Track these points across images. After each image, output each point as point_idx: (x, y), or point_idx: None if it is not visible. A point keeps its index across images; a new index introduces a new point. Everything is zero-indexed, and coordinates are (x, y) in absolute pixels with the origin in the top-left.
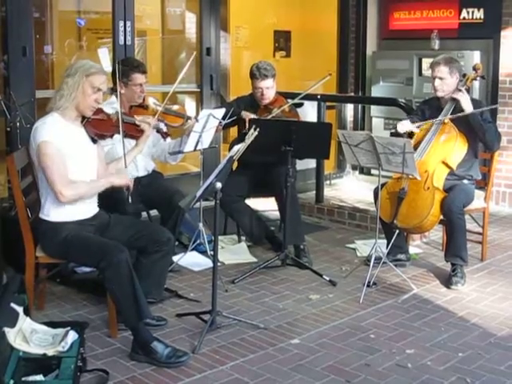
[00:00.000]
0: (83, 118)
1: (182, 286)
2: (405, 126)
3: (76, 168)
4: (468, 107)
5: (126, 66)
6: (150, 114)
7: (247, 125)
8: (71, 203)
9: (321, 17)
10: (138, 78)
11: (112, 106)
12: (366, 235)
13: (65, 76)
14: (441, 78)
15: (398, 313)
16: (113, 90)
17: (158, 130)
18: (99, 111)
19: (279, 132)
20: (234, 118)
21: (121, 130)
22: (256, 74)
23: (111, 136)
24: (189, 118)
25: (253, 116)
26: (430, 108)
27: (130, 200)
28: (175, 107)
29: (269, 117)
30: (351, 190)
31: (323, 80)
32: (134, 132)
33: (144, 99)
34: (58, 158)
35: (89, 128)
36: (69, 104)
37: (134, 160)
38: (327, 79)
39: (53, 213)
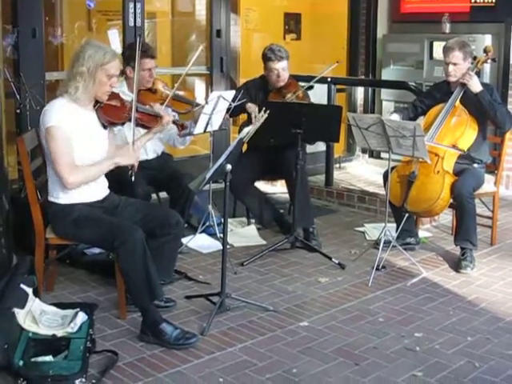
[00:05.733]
0: (96, 102)
1: (191, 268)
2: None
3: (85, 153)
4: (477, 87)
5: (135, 51)
6: (158, 99)
7: (253, 115)
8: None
9: None
10: (147, 62)
11: (121, 90)
12: (375, 218)
13: (76, 63)
14: (455, 64)
15: (407, 296)
16: (122, 73)
17: (175, 122)
18: (115, 96)
19: (289, 115)
20: (243, 100)
21: (133, 119)
22: (271, 56)
23: (122, 124)
24: (197, 104)
25: (255, 112)
26: (439, 92)
27: (132, 179)
28: (183, 93)
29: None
30: (361, 173)
31: (330, 67)
32: (146, 121)
33: (153, 83)
34: (65, 143)
35: (100, 114)
36: (84, 94)
37: (148, 140)
38: (335, 66)
39: (62, 195)
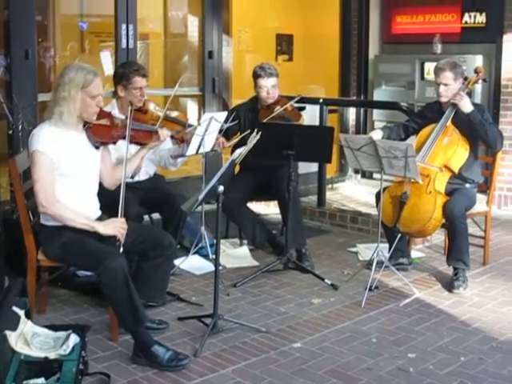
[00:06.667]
0: (85, 122)
1: (183, 290)
2: (376, 135)
3: (74, 180)
4: (468, 108)
5: (126, 69)
6: (149, 119)
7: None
8: (69, 205)
9: (323, 20)
10: (138, 81)
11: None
12: (367, 239)
13: (59, 87)
14: (445, 85)
15: (400, 317)
16: (114, 94)
17: (173, 136)
18: (106, 115)
19: (281, 136)
20: (236, 122)
21: (127, 138)
22: (261, 73)
23: (114, 143)
24: (189, 125)
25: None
26: (431, 112)
27: (121, 250)
28: (175, 114)
29: (272, 115)
30: (353, 193)
31: (293, 101)
32: (141, 138)
33: (144, 103)
34: (47, 171)
35: (90, 134)
36: (72, 117)
37: (143, 156)
38: (297, 99)
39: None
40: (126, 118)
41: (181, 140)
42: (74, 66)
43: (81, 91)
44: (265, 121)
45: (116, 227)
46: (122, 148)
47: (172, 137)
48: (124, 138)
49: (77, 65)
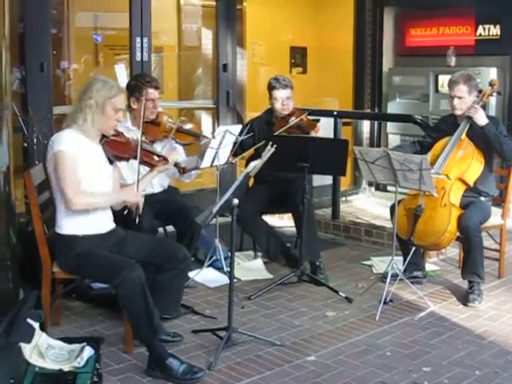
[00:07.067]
0: (102, 136)
1: (197, 302)
2: None
3: (90, 184)
4: (483, 121)
5: (139, 82)
6: (162, 132)
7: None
8: (83, 215)
9: (337, 33)
10: (151, 93)
11: (125, 126)
12: (382, 252)
13: (84, 96)
14: (460, 98)
15: (415, 330)
16: (128, 106)
17: (176, 165)
18: (119, 133)
19: (296, 148)
20: (250, 134)
21: (138, 155)
22: (276, 84)
23: (127, 159)
24: (204, 136)
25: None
26: (446, 125)
27: (137, 220)
28: (189, 126)
29: (287, 126)
30: (367, 206)
31: (305, 114)
32: (150, 160)
33: (157, 116)
34: (72, 167)
35: (107, 148)
36: (92, 127)
37: (151, 179)
38: (307, 113)
39: (65, 225)
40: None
41: (183, 170)
42: (100, 78)
43: (108, 102)
44: (281, 131)
45: (136, 195)
46: (126, 171)
47: (175, 165)
48: (136, 157)
49: (103, 78)
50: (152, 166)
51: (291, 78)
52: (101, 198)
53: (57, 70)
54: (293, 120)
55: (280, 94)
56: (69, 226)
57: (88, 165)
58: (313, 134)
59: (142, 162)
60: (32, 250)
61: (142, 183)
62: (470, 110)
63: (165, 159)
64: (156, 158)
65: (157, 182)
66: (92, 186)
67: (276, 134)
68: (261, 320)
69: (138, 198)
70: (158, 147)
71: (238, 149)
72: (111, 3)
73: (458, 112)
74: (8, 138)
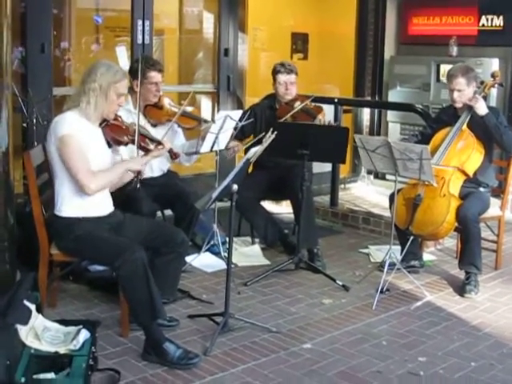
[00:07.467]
0: (102, 120)
1: (194, 287)
2: None
3: (93, 165)
4: (483, 111)
5: (142, 64)
6: (164, 115)
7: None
8: (84, 197)
9: (339, 20)
10: (154, 76)
11: (126, 108)
12: (379, 240)
13: (88, 78)
14: (459, 90)
15: (411, 320)
16: (130, 89)
17: (169, 151)
18: (117, 117)
19: (296, 135)
20: (251, 120)
21: (136, 140)
22: (281, 69)
23: (126, 144)
24: (205, 120)
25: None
26: (446, 115)
27: (138, 186)
28: (190, 109)
29: (293, 111)
30: (365, 194)
31: (309, 100)
32: (146, 144)
33: (159, 99)
34: (80, 150)
35: (107, 131)
36: (95, 111)
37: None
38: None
39: (65, 207)
40: (134, 124)
41: (174, 155)
42: (104, 62)
43: (112, 86)
44: (287, 116)
45: (139, 162)
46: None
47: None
48: (134, 142)
49: (107, 62)
50: (147, 151)
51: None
52: (111, 173)
53: (57, 50)
54: (298, 105)
55: (284, 78)
56: (68, 208)
57: (90, 148)
58: (319, 117)
59: (140, 147)
60: (29, 231)
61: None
62: (471, 100)
63: (160, 144)
64: (151, 143)
65: (156, 166)
66: (96, 168)
67: (283, 119)
68: (257, 306)
69: (141, 166)
70: (160, 130)
71: (239, 134)
72: None
73: (459, 105)
74: (7, 118)
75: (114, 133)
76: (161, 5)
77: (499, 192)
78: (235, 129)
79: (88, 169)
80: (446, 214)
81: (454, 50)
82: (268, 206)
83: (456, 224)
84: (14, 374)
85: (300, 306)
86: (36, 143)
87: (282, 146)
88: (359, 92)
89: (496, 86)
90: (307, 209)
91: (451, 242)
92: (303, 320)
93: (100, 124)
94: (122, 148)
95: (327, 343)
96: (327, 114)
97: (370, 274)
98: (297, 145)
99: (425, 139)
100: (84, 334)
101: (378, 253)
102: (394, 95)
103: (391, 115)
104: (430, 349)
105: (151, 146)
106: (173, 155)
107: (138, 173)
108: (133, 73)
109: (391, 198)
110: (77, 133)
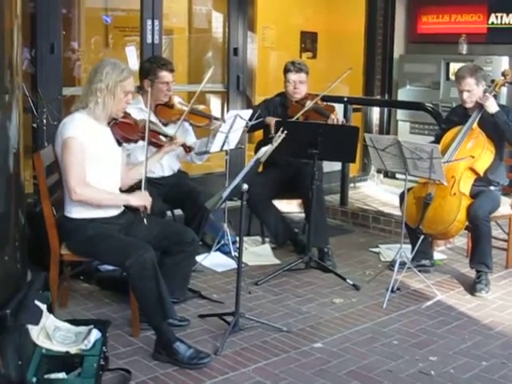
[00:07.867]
0: (111, 118)
1: (205, 287)
2: None
3: (101, 167)
4: (494, 109)
5: (153, 64)
6: (175, 114)
7: (272, 129)
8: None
9: (348, 19)
10: (165, 76)
11: (137, 107)
12: (389, 239)
13: (95, 78)
14: (468, 91)
15: (422, 319)
16: (139, 89)
17: (183, 145)
18: (126, 115)
19: (306, 134)
20: (260, 119)
21: (146, 137)
22: (291, 67)
23: (136, 141)
24: (216, 118)
25: (275, 120)
26: (456, 115)
27: (145, 221)
28: (201, 107)
29: (304, 110)
30: (375, 193)
31: (344, 75)
32: (158, 140)
33: (170, 98)
34: (79, 156)
35: (116, 130)
36: (103, 110)
37: (159, 160)
38: (348, 73)
39: (75, 210)
40: (143, 120)
41: (189, 149)
42: (109, 61)
43: (119, 85)
44: (298, 115)
45: (144, 198)
46: (140, 153)
47: (181, 145)
48: (144, 138)
49: (112, 60)
50: (159, 147)
51: None
52: (105, 195)
53: (66, 50)
54: (309, 104)
55: (293, 76)
56: (78, 210)
57: (99, 149)
58: (333, 117)
59: (151, 143)
60: (39, 231)
61: (148, 163)
62: (481, 98)
63: (171, 139)
64: (163, 138)
65: (167, 165)
66: (104, 170)
67: (294, 118)
68: (268, 306)
69: (146, 202)
70: (171, 129)
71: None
72: None
73: (469, 105)
74: (18, 118)
75: (123, 131)
76: (170, 4)
77: (510, 190)
78: (246, 127)
79: (80, 174)
80: (457, 213)
81: (464, 48)
82: (278, 204)
83: (467, 223)
84: (26, 373)
85: (310, 305)
86: (46, 143)
87: (292, 146)
88: (369, 91)
89: (507, 84)
90: (318, 208)
91: (462, 241)
92: (314, 319)
93: (108, 123)
94: (132, 146)
95: (338, 342)
96: (338, 112)
97: (381, 273)
98: (307, 144)
99: (435, 139)
100: (95, 334)
101: (388, 252)
102: (403, 94)
103: (401, 114)
104: (441, 348)
105: (163, 142)
106: (187, 148)
107: (145, 208)
108: (145, 72)
109: (401, 196)
110: (81, 136)
